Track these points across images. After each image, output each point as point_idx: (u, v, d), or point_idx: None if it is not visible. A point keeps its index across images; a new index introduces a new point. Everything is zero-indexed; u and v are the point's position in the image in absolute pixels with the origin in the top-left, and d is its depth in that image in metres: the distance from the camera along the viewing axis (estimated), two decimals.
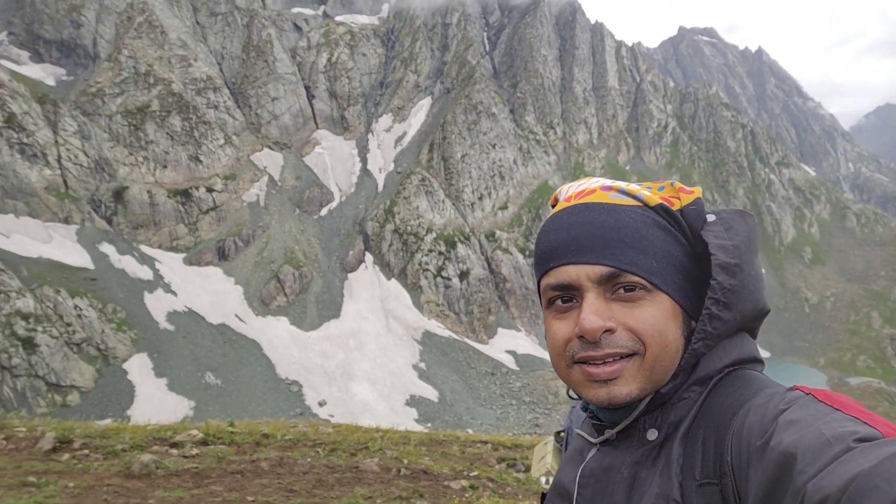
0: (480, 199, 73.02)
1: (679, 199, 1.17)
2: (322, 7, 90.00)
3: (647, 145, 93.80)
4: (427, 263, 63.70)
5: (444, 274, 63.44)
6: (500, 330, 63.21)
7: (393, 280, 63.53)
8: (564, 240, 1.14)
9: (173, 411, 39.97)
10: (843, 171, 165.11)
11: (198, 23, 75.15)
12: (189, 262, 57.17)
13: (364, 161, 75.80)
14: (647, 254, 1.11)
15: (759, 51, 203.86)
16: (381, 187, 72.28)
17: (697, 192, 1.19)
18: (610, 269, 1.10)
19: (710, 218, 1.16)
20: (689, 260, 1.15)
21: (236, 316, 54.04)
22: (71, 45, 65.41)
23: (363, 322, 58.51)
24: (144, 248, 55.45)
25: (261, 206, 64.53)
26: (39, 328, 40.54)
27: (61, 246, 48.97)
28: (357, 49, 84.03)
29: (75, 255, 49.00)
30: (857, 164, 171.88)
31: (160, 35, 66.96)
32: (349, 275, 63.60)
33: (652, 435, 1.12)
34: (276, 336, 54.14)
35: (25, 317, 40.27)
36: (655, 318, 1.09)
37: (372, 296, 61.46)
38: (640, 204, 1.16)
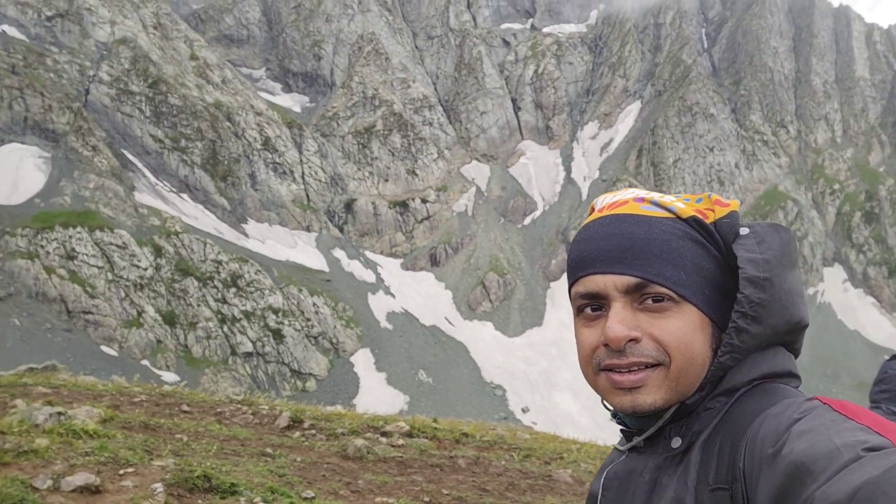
0: None
1: (713, 211, 1.16)
2: (530, 20, 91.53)
3: None
4: None
5: None
6: None
7: None
8: (594, 250, 1.16)
9: (391, 404, 43.62)
10: None
11: (416, 47, 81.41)
12: (405, 267, 62.01)
13: (568, 170, 75.37)
14: (676, 265, 1.11)
15: None
16: (585, 196, 71.19)
17: (734, 205, 1.17)
18: (637, 279, 1.10)
19: (744, 231, 1.14)
20: (721, 273, 1.13)
21: (446, 319, 57.28)
22: (313, 76, 75.18)
23: (566, 331, 58.11)
24: (369, 254, 61.48)
25: (468, 216, 67.64)
26: (286, 322, 47.13)
27: (304, 251, 56.47)
28: (563, 58, 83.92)
29: (314, 259, 56.13)
30: None
31: (385, 61, 73.88)
32: (552, 283, 63.67)
33: (676, 443, 1.12)
34: (482, 340, 56.25)
35: (276, 311, 47.13)
36: (681, 329, 1.09)
37: None
38: (671, 216, 1.15)
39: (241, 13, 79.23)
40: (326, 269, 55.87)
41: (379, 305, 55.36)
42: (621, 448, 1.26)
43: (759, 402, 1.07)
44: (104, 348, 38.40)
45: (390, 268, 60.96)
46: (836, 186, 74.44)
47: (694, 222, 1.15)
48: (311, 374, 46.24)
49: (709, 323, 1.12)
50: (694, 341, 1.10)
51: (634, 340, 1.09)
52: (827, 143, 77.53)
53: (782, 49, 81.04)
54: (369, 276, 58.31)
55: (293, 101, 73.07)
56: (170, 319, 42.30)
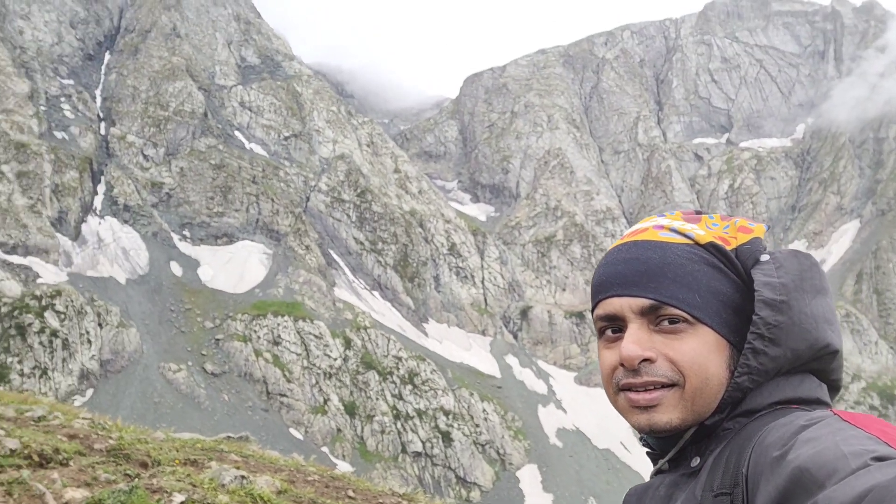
0: None
1: (736, 238, 1.19)
2: (725, 135, 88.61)
3: None
4: None
5: None
6: None
7: None
8: (612, 274, 1.20)
9: None
10: None
11: (602, 161, 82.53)
12: (579, 381, 59.50)
13: None
14: (691, 288, 1.14)
15: None
16: None
17: (758, 231, 1.19)
18: (651, 301, 1.14)
19: (764, 258, 1.16)
20: (741, 297, 1.15)
21: (622, 443, 53.09)
22: (500, 188, 79.19)
23: None
24: (541, 364, 60.25)
25: None
26: (455, 425, 47.14)
27: (477, 354, 57.10)
28: (764, 173, 79.14)
29: (487, 364, 56.35)
30: None
31: (569, 174, 75.70)
32: None
33: (694, 462, 1.14)
34: None
35: (447, 413, 47.50)
36: (696, 350, 1.12)
37: None
38: (689, 242, 1.19)
39: (441, 132, 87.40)
40: (498, 374, 55.61)
41: (549, 419, 53.23)
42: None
43: (773, 418, 1.08)
44: (292, 430, 41.35)
45: (563, 380, 58.90)
46: None
47: (712, 248, 1.18)
48: (475, 483, 45.06)
49: (726, 345, 1.14)
50: (709, 362, 1.12)
51: (649, 360, 1.12)
52: None
53: None
54: (541, 387, 56.77)
55: (479, 211, 77.12)
56: (350, 410, 44.59)
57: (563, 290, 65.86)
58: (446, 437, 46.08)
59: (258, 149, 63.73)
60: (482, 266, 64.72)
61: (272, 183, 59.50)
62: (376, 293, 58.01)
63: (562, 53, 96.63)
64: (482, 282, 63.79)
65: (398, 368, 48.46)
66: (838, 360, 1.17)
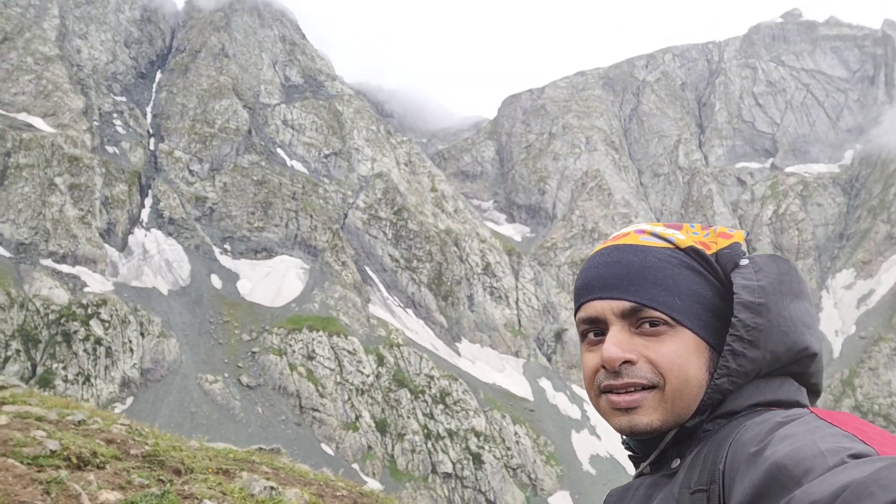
0: None
1: (717, 243, 1.21)
2: (770, 160, 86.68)
3: None
4: None
5: None
6: None
7: None
8: (594, 277, 1.22)
9: None
10: None
11: (641, 184, 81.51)
12: None
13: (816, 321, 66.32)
14: (671, 291, 1.16)
15: None
16: (836, 353, 61.39)
17: (737, 237, 1.21)
18: (632, 303, 1.16)
19: (743, 262, 1.18)
20: (721, 300, 1.17)
21: None
22: (536, 209, 78.84)
23: None
24: (575, 388, 59.20)
25: None
26: (486, 447, 46.55)
27: (510, 376, 56.47)
28: (810, 199, 76.97)
29: (520, 386, 55.65)
30: None
31: (607, 196, 74.93)
32: None
33: (674, 464, 1.16)
34: None
35: (478, 434, 46.97)
36: (676, 352, 1.13)
37: None
38: (669, 246, 1.20)
39: (478, 152, 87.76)
40: (531, 397, 54.83)
41: (583, 445, 52.12)
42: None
43: (750, 418, 1.09)
44: (324, 446, 41.46)
45: None
46: None
47: (692, 251, 1.19)
48: None
49: (706, 347, 1.16)
50: (689, 364, 1.14)
51: (629, 362, 1.13)
52: None
53: None
54: (574, 412, 55.73)
55: (515, 231, 76.83)
56: (382, 427, 44.49)
57: None
58: (477, 459, 45.51)
59: (299, 166, 65.02)
60: (517, 287, 64.29)
61: (311, 199, 60.51)
62: (410, 311, 58.11)
63: (601, 75, 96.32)
64: (516, 302, 63.30)
65: (430, 387, 48.25)
66: (817, 363, 1.18)
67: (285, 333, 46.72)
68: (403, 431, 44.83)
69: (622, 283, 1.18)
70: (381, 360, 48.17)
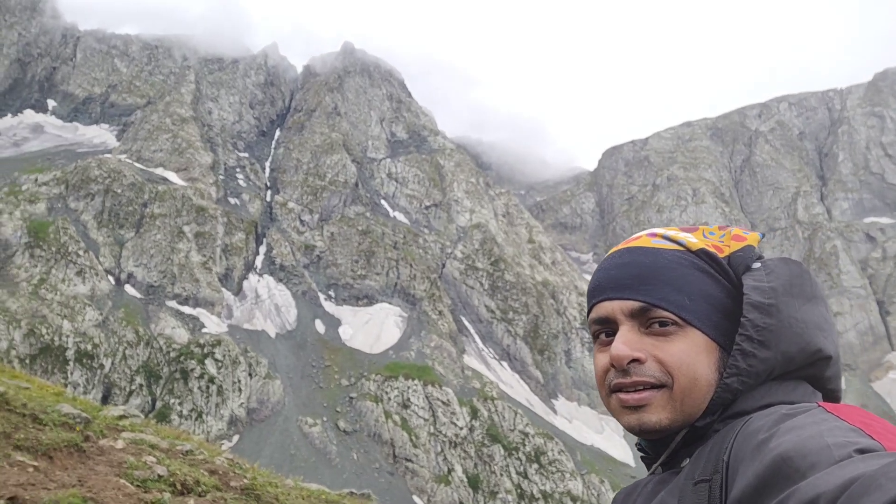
0: None
1: (730, 246, 1.20)
2: None
3: None
4: None
5: None
6: None
7: None
8: (605, 279, 1.24)
9: None
10: None
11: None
12: None
13: None
14: (681, 292, 1.17)
15: None
16: None
17: (751, 239, 1.20)
18: (641, 303, 1.17)
19: (756, 265, 1.18)
20: (732, 302, 1.18)
21: None
22: None
23: None
24: None
25: None
26: None
27: (610, 438, 53.71)
28: None
29: (619, 449, 52.72)
30: None
31: None
32: None
33: (684, 463, 1.16)
34: None
35: (574, 499, 44.72)
36: (685, 352, 1.14)
37: None
38: (681, 248, 1.21)
39: (577, 204, 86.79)
40: (632, 462, 51.68)
41: None
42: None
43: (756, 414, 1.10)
44: (415, 498, 41.05)
45: None
46: None
47: (703, 254, 1.20)
48: None
49: (716, 347, 1.16)
50: (697, 363, 1.14)
51: (638, 361, 1.14)
52: None
53: None
54: None
55: None
56: (474, 483, 43.51)
57: None
58: None
59: (401, 217, 67.22)
60: None
61: (411, 249, 62.10)
62: (505, 363, 57.30)
63: (709, 126, 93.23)
64: None
65: (524, 445, 46.82)
66: (833, 367, 1.18)
67: (382, 380, 47.41)
68: (496, 489, 43.55)
69: (632, 284, 1.19)
70: (474, 413, 47.53)
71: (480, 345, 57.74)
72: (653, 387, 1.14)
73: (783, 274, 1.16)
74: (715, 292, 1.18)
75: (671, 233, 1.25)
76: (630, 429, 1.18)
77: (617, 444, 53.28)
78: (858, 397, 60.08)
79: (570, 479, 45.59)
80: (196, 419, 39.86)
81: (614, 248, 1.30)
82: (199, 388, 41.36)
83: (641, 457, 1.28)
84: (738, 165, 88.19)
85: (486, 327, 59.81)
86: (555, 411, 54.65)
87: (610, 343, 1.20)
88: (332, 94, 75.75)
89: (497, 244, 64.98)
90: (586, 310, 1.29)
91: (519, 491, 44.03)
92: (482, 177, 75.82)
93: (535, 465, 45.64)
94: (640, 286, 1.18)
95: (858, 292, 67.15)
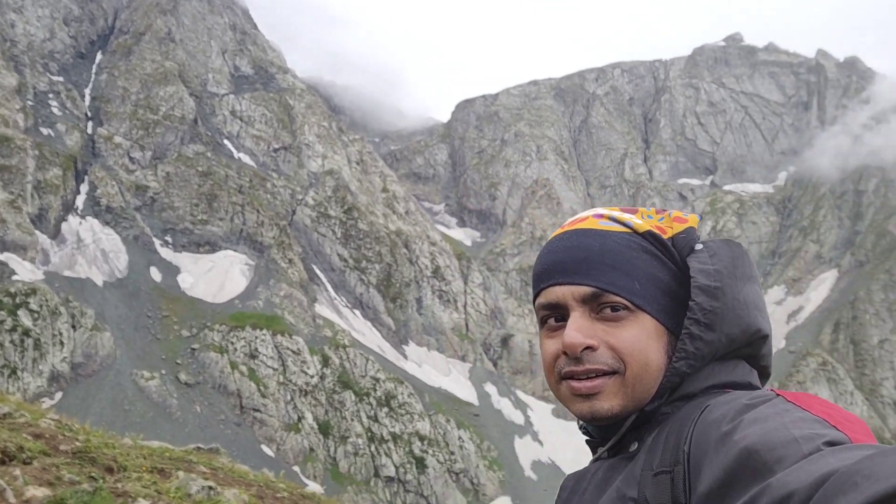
0: None
1: (672, 227, 1.22)
2: (710, 177, 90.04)
3: None
4: None
5: None
6: None
7: None
8: (553, 262, 1.22)
9: None
10: None
11: (589, 194, 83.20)
12: (557, 414, 58.93)
13: None
14: (630, 276, 1.16)
15: None
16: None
17: (692, 221, 1.23)
18: (592, 288, 1.16)
19: (699, 246, 1.20)
20: (677, 284, 1.19)
21: None
22: (487, 214, 79.33)
23: None
24: (520, 394, 59.68)
25: None
26: (430, 451, 46.24)
27: (456, 380, 56.40)
28: (746, 217, 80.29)
29: (465, 390, 55.65)
30: None
31: (556, 205, 76.12)
32: None
33: (632, 447, 1.16)
34: None
35: (422, 438, 46.61)
36: (636, 337, 1.14)
37: None
38: (627, 230, 1.21)
39: (431, 155, 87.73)
40: (476, 402, 54.89)
41: (525, 451, 52.51)
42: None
43: (709, 399, 1.09)
44: (264, 447, 40.20)
45: (541, 412, 58.30)
46: None
47: (650, 236, 1.20)
48: None
49: (665, 331, 1.17)
50: (648, 349, 1.14)
51: (590, 348, 1.13)
52: None
53: None
54: (518, 418, 56.11)
55: (465, 235, 77.07)
56: (325, 429, 43.55)
57: None
58: (420, 464, 45.14)
59: (247, 159, 63.24)
60: (465, 291, 64.39)
61: (259, 194, 58.92)
62: (357, 312, 57.30)
63: (553, 86, 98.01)
64: (464, 307, 63.38)
65: (375, 390, 47.60)
66: (768, 345, 1.21)
67: (227, 331, 45.18)
68: (347, 434, 44.03)
69: (582, 268, 1.18)
70: (325, 361, 47.22)
71: (333, 293, 57.04)
72: (605, 374, 1.13)
73: (726, 256, 1.17)
74: (662, 275, 1.18)
75: (616, 213, 1.24)
76: (581, 416, 1.17)
77: (463, 385, 56.14)
78: None
79: (418, 420, 47.34)
80: (9, 376, 35.22)
81: (560, 230, 1.27)
82: (12, 341, 36.43)
83: (587, 441, 1.26)
84: (577, 126, 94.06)
85: (339, 276, 59.11)
86: (405, 357, 56.02)
87: (559, 329, 1.19)
88: (164, 18, 68.05)
89: (351, 192, 63.82)
90: (532, 294, 1.26)
91: (369, 434, 44.92)
92: (335, 121, 73.39)
93: (386, 409, 46.72)
94: (590, 270, 1.17)
95: None
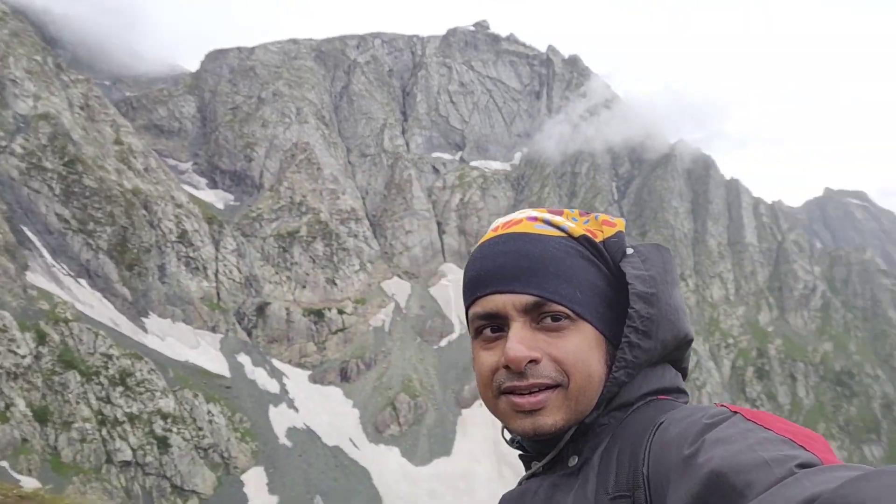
0: None
1: (602, 231, 1.19)
2: (459, 153, 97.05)
3: (793, 307, 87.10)
4: None
5: None
6: None
7: None
8: (491, 268, 1.16)
9: None
10: None
11: (349, 162, 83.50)
12: (314, 379, 58.89)
13: None
14: (571, 283, 1.12)
15: None
16: None
17: (620, 225, 1.21)
18: (535, 298, 1.11)
19: (629, 251, 1.17)
20: (611, 290, 1.15)
21: (350, 440, 53.86)
22: (241, 176, 74.60)
23: (475, 464, 55.98)
24: (276, 362, 58.12)
25: (385, 332, 66.30)
26: (174, 429, 42.58)
27: (206, 352, 52.57)
28: (488, 191, 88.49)
29: (216, 363, 52.23)
30: None
31: (316, 171, 74.83)
32: (463, 410, 62.10)
33: (572, 461, 1.10)
34: (387, 468, 52.91)
35: (165, 417, 42.63)
36: (579, 348, 1.10)
37: (485, 436, 59.11)
38: (563, 235, 1.17)
39: (176, 106, 79.10)
40: (228, 374, 52.00)
41: (280, 419, 51.48)
42: (519, 480, 1.24)
43: (654, 411, 1.07)
44: None
45: (297, 379, 57.66)
46: (731, 340, 79.63)
47: (585, 241, 1.17)
48: (194, 491, 41.25)
49: (603, 340, 1.13)
50: (591, 359, 1.10)
51: (534, 361, 1.08)
52: (722, 300, 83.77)
53: (682, 210, 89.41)
54: (273, 387, 54.66)
55: (217, 198, 71.61)
56: (42, 416, 37.15)
57: (304, 287, 64.61)
58: (163, 443, 41.37)
59: None
60: (217, 258, 60.05)
61: None
62: (83, 281, 49.65)
63: (314, 47, 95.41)
64: (216, 274, 59.14)
65: (107, 368, 42.02)
66: (689, 348, 1.20)
67: None
68: (71, 419, 38.21)
69: (523, 276, 1.12)
70: (41, 339, 40.15)
71: (50, 260, 48.43)
72: (548, 387, 1.08)
73: (658, 261, 1.15)
74: (599, 282, 1.15)
75: (548, 216, 1.20)
76: (523, 433, 1.10)
77: (213, 357, 52.62)
78: (419, 300, 72.85)
79: (160, 397, 43.21)
80: None
81: (493, 233, 1.21)
82: None
83: (520, 455, 1.20)
84: (338, 91, 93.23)
85: (59, 239, 50.37)
86: (145, 330, 50.38)
87: (497, 340, 1.13)
88: None
89: (73, 141, 54.50)
90: (465, 303, 1.20)
91: (100, 417, 39.66)
92: (51, 56, 61.61)
93: (121, 388, 41.65)
94: (531, 278, 1.11)
95: (424, 214, 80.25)
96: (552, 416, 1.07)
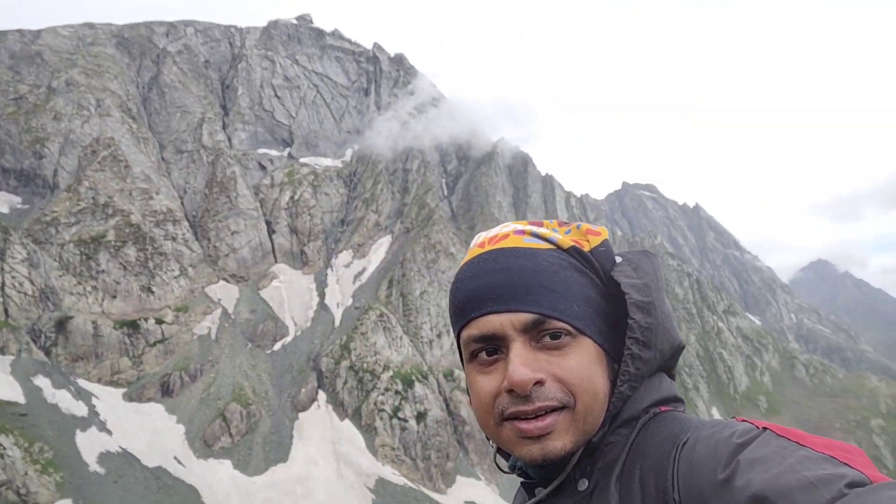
0: (439, 336, 72.62)
1: (588, 241, 1.16)
2: (287, 149, 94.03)
3: None
4: (383, 403, 61.43)
5: (400, 415, 61.05)
6: (458, 478, 59.90)
7: (346, 420, 60.61)
8: (483, 287, 1.09)
9: None
10: (786, 322, 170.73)
11: (163, 159, 76.94)
12: (129, 397, 53.61)
13: (322, 295, 75.37)
14: (568, 298, 1.07)
15: (697, 206, 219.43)
16: (337, 322, 71.30)
17: (604, 233, 1.18)
18: (534, 315, 1.05)
19: (619, 259, 1.15)
20: (604, 301, 1.12)
21: (175, 458, 49.87)
22: (30, 175, 65.46)
23: (312, 467, 54.76)
24: (82, 382, 51.93)
25: (212, 340, 62.29)
26: None
27: None
28: (320, 188, 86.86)
29: (6, 388, 45.30)
30: (798, 316, 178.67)
31: (123, 168, 67.95)
32: (300, 414, 60.45)
33: (583, 485, 1.05)
34: (217, 482, 49.81)
35: None
36: (582, 365, 1.05)
37: (323, 438, 58.18)
38: (553, 247, 1.13)
39: None
40: (23, 399, 45.42)
41: (89, 444, 46.09)
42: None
43: (668, 428, 1.02)
44: None
45: (109, 399, 52.05)
46: None
47: (575, 252, 1.13)
48: None
49: (604, 354, 1.09)
50: (595, 376, 1.06)
51: (539, 383, 1.03)
52: None
53: (505, 204, 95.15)
54: (80, 409, 48.77)
55: (1, 202, 62.17)
56: None
57: (114, 297, 58.36)
58: None
59: None
60: (2, 269, 52.11)
61: None
62: None
63: (114, 33, 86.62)
64: (2, 288, 51.28)
65: None
66: (681, 355, 1.17)
67: None
68: None
69: (519, 293, 1.06)
70: None
71: None
72: (554, 409, 1.03)
73: (649, 268, 1.12)
74: (592, 294, 1.10)
75: (535, 229, 1.15)
76: (531, 461, 1.04)
77: (2, 382, 45.62)
78: (249, 304, 69.45)
79: None
80: None
81: (479, 249, 1.15)
82: None
83: (522, 483, 1.14)
84: (146, 82, 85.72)
85: None
86: None
87: (495, 363, 1.07)
88: None
89: None
90: (455, 325, 1.14)
91: None
92: None
93: None
94: (528, 295, 1.06)
95: (252, 213, 76.59)
96: (561, 440, 1.01)
